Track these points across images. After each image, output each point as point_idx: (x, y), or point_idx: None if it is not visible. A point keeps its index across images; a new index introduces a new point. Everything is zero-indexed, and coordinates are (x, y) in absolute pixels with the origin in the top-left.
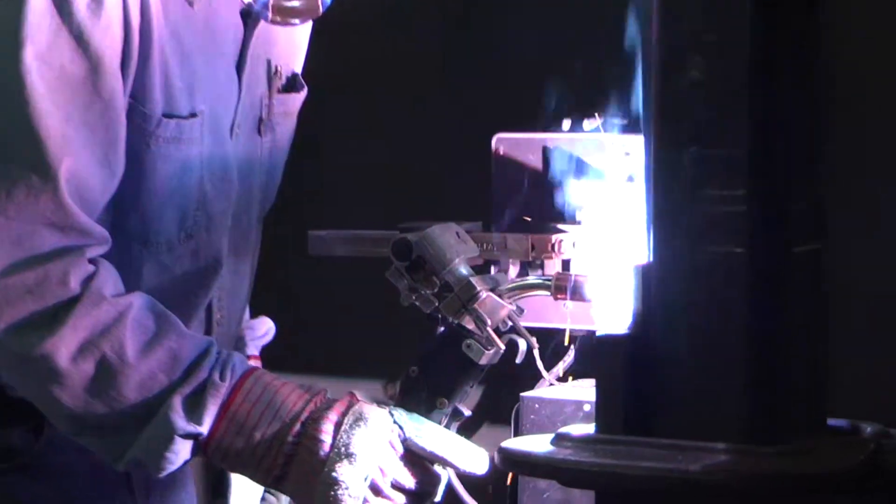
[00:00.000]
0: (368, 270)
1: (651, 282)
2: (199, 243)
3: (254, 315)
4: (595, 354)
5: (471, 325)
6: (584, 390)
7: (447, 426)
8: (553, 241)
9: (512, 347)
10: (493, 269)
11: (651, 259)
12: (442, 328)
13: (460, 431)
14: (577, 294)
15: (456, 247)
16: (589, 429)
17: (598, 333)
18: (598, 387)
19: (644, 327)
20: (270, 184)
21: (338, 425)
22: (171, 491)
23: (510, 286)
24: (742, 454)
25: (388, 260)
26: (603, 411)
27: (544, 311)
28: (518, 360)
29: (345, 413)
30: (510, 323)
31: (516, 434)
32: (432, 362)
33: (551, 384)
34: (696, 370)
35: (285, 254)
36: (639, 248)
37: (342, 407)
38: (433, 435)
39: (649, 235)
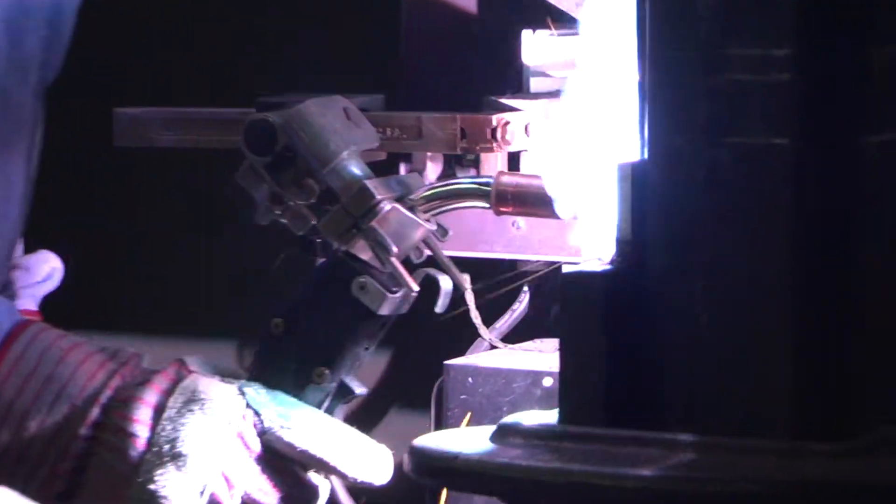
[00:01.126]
0: (207, 170)
1: (646, 190)
2: None
3: (30, 248)
4: (560, 301)
5: (366, 255)
6: (544, 357)
7: (329, 410)
8: (494, 122)
9: (430, 289)
10: (402, 168)
11: (646, 154)
12: (321, 259)
13: (351, 419)
14: (538, 206)
15: (344, 133)
16: (551, 416)
17: (564, 269)
18: (563, 352)
19: (635, 260)
20: (56, 40)
21: (159, 410)
22: None
23: (428, 193)
24: (784, 456)
25: (239, 153)
26: (572, 390)
27: (481, 234)
28: (438, 309)
29: (169, 391)
30: (427, 251)
31: (439, 424)
32: (306, 312)
33: (493, 347)
34: (715, 328)
35: (80, 146)
36: (628, 135)
37: (165, 382)
38: (307, 425)
39: (643, 118)
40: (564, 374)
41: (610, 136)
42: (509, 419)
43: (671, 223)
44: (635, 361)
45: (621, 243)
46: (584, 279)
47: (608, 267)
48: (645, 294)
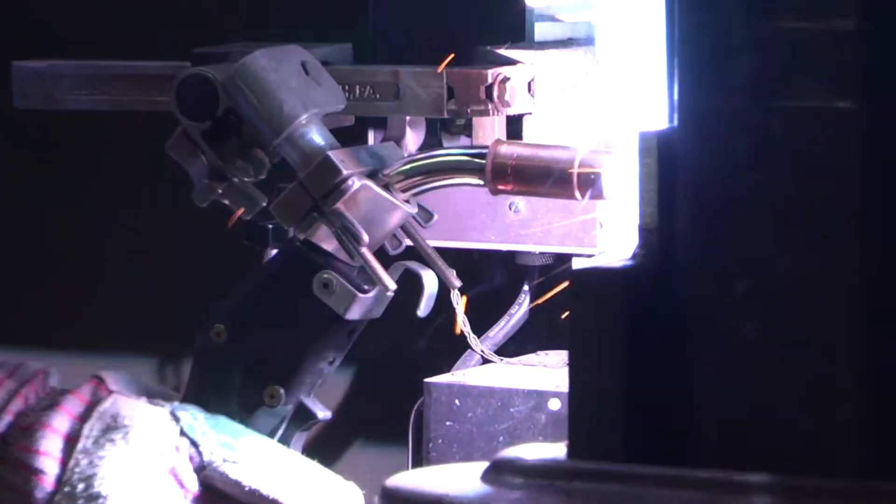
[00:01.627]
0: (132, 138)
1: (675, 165)
2: None
3: None
4: (570, 305)
5: (330, 245)
6: (549, 373)
7: (285, 439)
8: (490, 79)
9: (410, 288)
10: (371, 136)
11: (675, 121)
12: (273, 251)
13: (312, 451)
14: (544, 183)
15: (301, 92)
16: (558, 450)
17: (574, 263)
18: (574, 367)
19: (662, 254)
20: None
21: (71, 440)
22: None
23: (406, 168)
24: (846, 497)
25: (170, 118)
26: (584, 415)
27: (471, 219)
28: (421, 313)
29: (84, 416)
30: (406, 240)
31: (418, 459)
32: (255, 317)
33: (486, 361)
34: (761, 341)
35: None
36: (653, 96)
37: (79, 405)
38: (257, 458)
39: (672, 75)
40: (575, 396)
41: (631, 97)
42: (507, 453)
43: (707, 207)
44: (663, 381)
45: (645, 232)
46: (599, 277)
47: (628, 262)
48: (674, 297)
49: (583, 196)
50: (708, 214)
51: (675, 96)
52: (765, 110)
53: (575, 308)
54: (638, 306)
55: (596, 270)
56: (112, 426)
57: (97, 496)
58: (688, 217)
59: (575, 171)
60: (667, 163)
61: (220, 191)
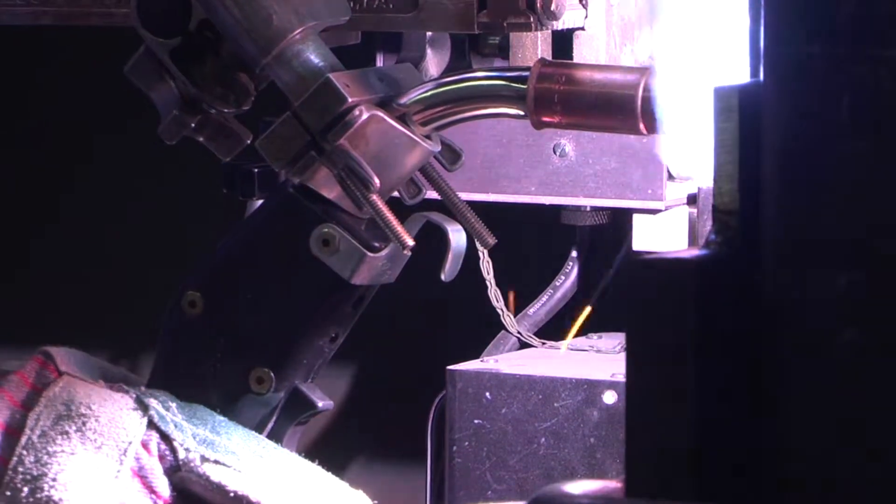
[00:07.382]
0: (78, 61)
1: (761, 129)
2: None
3: None
4: (628, 303)
5: (331, 191)
6: (603, 360)
7: (276, 434)
8: None
9: (431, 245)
10: (382, 58)
11: (761, 74)
12: (260, 200)
13: (311, 449)
14: (602, 113)
15: (295, 0)
16: (612, 487)
17: (634, 240)
18: (631, 386)
19: (743, 241)
20: None
21: (10, 432)
22: None
23: (427, 95)
24: None
25: (132, 33)
26: (646, 445)
27: (506, 163)
28: (445, 277)
29: (29, 403)
30: (428, 188)
31: (439, 464)
32: (237, 283)
33: (524, 344)
34: (869, 351)
35: None
36: (734, 43)
37: (23, 388)
38: (244, 457)
39: (757, 17)
40: (634, 419)
41: (706, 42)
42: (547, 492)
43: (801, 183)
44: (744, 401)
45: (721, 215)
46: (663, 270)
47: (702, 251)
48: (758, 296)
49: (649, 131)
50: (802, 192)
51: (762, 42)
52: (869, 61)
53: (633, 309)
54: (713, 307)
55: (660, 261)
56: (64, 415)
57: (47, 502)
58: (777, 195)
59: (640, 97)
60: (750, 127)
61: (192, 125)
